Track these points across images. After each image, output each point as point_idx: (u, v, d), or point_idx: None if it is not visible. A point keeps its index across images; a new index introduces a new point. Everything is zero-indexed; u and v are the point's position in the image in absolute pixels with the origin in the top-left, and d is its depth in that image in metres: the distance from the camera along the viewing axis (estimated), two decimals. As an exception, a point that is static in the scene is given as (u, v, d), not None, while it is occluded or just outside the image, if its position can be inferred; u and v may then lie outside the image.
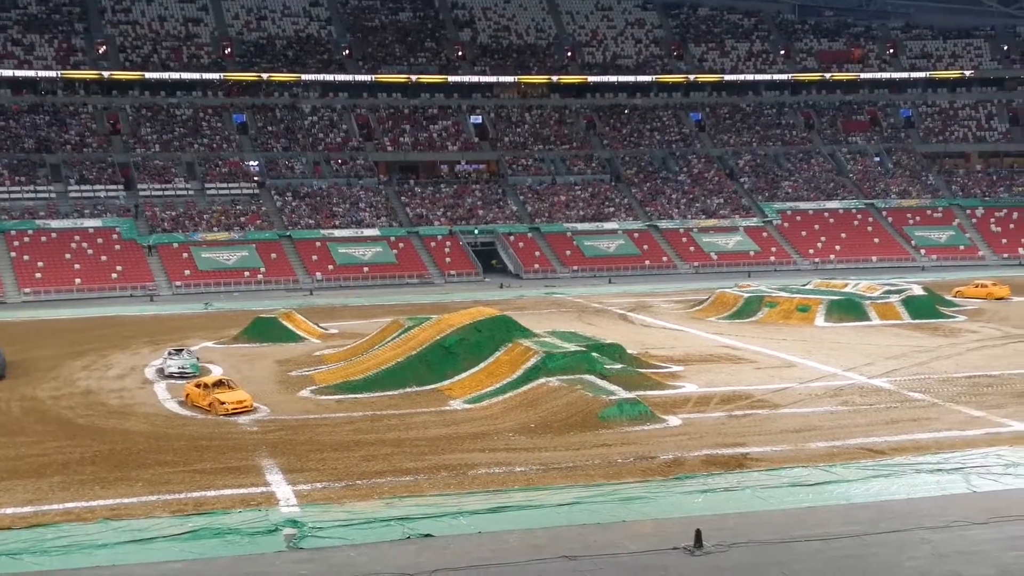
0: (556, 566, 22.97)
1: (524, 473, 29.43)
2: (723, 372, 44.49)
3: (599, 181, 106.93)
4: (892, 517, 25.82)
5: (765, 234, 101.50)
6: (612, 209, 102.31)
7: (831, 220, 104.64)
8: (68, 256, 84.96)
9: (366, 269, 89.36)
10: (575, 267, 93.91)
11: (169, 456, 31.61)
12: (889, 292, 64.24)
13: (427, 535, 24.74)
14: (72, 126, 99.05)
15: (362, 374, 43.19)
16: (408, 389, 41.23)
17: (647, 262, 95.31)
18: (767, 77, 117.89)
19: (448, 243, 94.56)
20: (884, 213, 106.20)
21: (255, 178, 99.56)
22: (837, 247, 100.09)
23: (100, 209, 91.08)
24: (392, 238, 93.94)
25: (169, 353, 46.24)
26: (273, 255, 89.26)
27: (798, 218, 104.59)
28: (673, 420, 35.53)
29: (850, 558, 23.29)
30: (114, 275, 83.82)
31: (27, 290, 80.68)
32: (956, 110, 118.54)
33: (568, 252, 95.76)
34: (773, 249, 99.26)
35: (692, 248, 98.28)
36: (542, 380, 38.99)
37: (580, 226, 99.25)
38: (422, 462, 30.61)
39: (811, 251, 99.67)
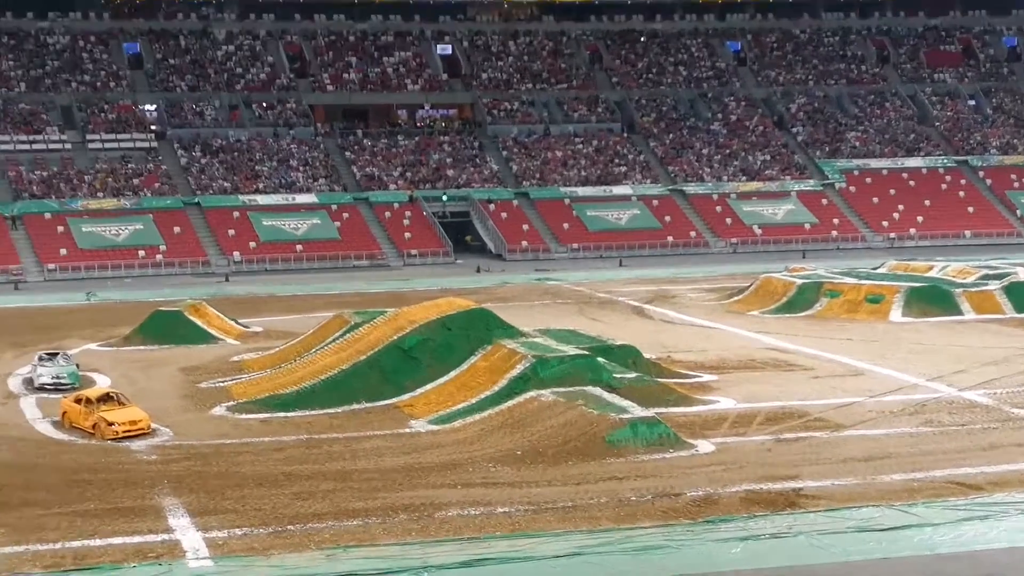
0: (550, 637, 23.04)
1: (508, 515, 29.48)
2: (769, 382, 44.60)
3: (607, 131, 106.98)
4: (991, 571, 25.93)
5: (825, 201, 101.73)
6: (624, 168, 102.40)
7: (911, 183, 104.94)
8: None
9: (299, 247, 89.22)
10: (575, 245, 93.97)
11: (41, 494, 31.53)
12: (987, 277, 64.46)
13: (381, 597, 24.76)
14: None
15: (295, 386, 43.13)
16: (355, 405, 41.19)
17: (670, 238, 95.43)
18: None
19: (408, 213, 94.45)
20: (981, 174, 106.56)
21: (152, 127, 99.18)
22: (919, 218, 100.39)
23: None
24: (334, 207, 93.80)
25: (40, 358, 46.09)
26: (176, 229, 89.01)
27: (868, 180, 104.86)
28: (704, 445, 35.62)
29: (935, 625, 23.43)
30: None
31: None
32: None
33: (566, 225, 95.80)
34: (835, 221, 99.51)
35: (729, 220, 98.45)
36: (532, 393, 39.00)
37: (582, 191, 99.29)
38: (374, 501, 30.63)
39: (885, 223, 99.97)
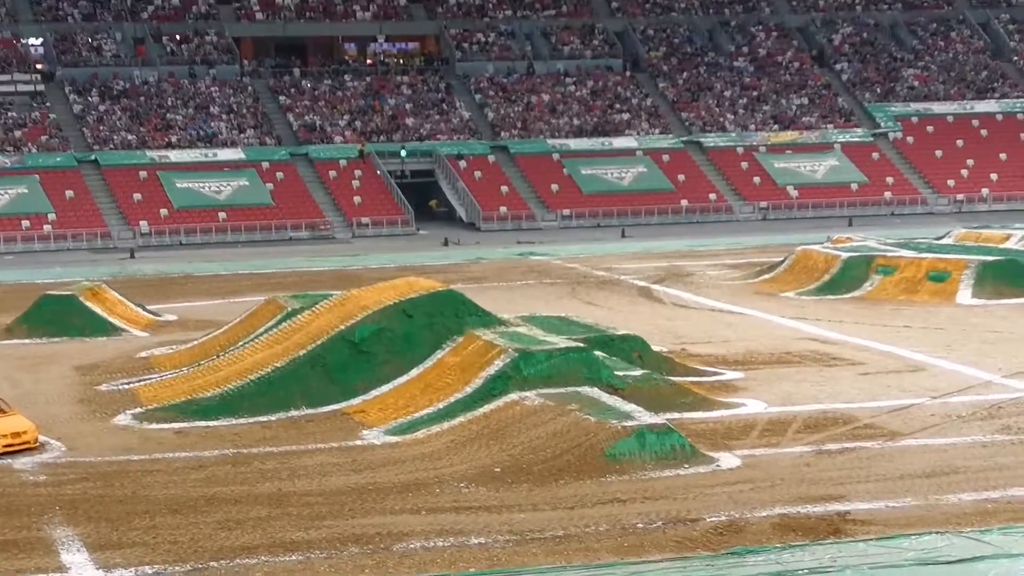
0: None
1: (485, 547, 29.50)
2: (808, 380, 44.72)
3: (605, 70, 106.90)
4: (1081, 613, 26.07)
5: (876, 155, 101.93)
6: (627, 116, 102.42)
7: (983, 131, 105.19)
8: None
9: (222, 215, 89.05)
10: (566, 211, 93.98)
11: (-100, 524, 31.45)
12: (1077, 249, 64.78)
13: (327, 650, 24.78)
14: None
15: (217, 388, 43.06)
16: (293, 412, 41.17)
17: (684, 202, 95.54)
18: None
19: (357, 172, 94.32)
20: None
21: (38, 66, 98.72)
22: (992, 175, 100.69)
23: None
24: (265, 164, 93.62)
25: (-102, 355, 45.94)
26: (69, 193, 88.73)
27: (929, 128, 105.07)
28: (727, 459, 35.68)
29: None
30: None
31: None
32: None
33: (555, 187, 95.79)
34: (889, 179, 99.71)
35: (757, 179, 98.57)
36: (513, 396, 39.01)
37: (574, 144, 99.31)
38: (318, 531, 30.62)
39: (951, 182, 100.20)
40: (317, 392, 42.07)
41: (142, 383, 45.64)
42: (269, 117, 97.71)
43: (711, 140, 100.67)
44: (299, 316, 47.19)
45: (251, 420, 40.58)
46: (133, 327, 56.21)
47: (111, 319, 56.20)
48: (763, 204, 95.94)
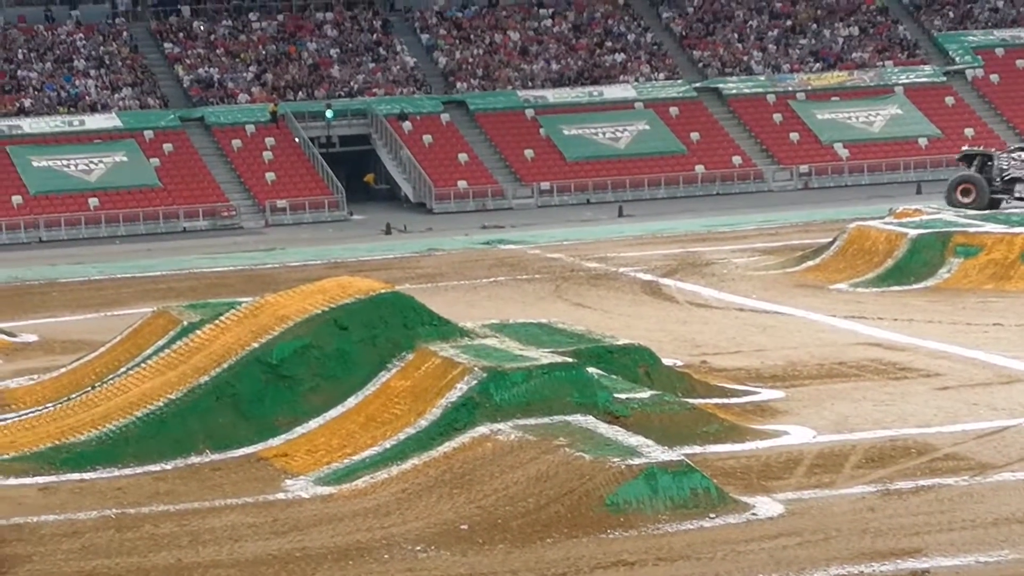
0: None
1: (450, 631, 29.50)
2: (869, 399, 44.82)
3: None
4: None
5: (950, 100, 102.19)
6: (622, 57, 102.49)
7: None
8: None
9: (94, 202, 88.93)
10: (545, 185, 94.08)
11: None
12: None
13: None
14: None
15: (94, 429, 42.94)
16: (195, 458, 41.10)
17: (699, 168, 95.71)
18: None
19: (270, 140, 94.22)
20: None
21: None
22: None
23: None
24: (148, 134, 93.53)
25: None
26: None
27: (1020, 62, 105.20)
28: (766, 505, 35.69)
29: None
30: None
31: None
32: None
33: (529, 153, 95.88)
34: (968, 131, 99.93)
35: (795, 135, 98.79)
36: (483, 429, 38.98)
37: (553, 95, 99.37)
38: (231, 615, 30.59)
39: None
40: (225, 431, 42.02)
41: (-7, 425, 45.60)
42: (151, 71, 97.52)
43: (733, 86, 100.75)
44: (198, 332, 47.06)
45: (139, 470, 40.50)
46: (-21, 352, 56.25)
47: (-51, 343, 56.28)
48: (803, 168, 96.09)
